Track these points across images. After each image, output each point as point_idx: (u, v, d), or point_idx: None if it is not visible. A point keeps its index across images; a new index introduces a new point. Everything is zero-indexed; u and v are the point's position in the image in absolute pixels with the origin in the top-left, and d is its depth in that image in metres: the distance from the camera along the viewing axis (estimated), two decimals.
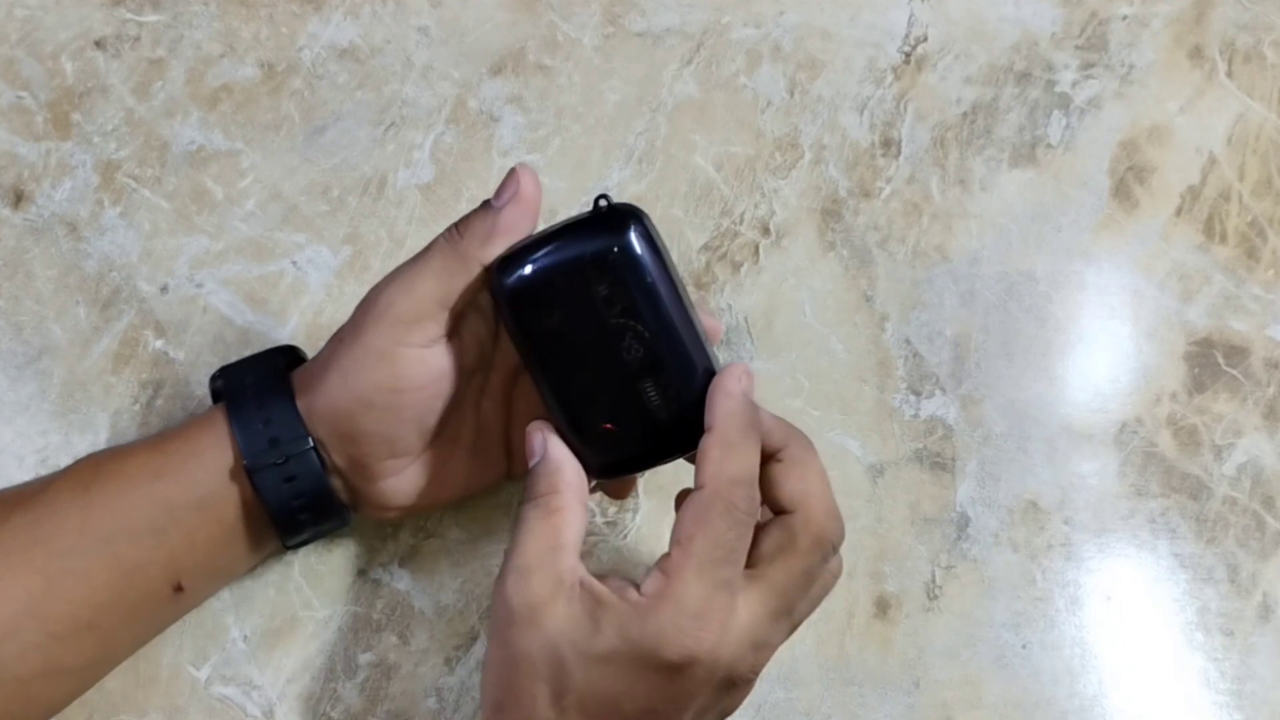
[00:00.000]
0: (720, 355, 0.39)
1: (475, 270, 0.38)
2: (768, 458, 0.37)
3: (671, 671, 0.34)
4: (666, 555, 0.35)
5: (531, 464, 0.38)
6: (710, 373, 0.38)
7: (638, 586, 0.35)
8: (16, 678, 0.39)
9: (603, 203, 0.37)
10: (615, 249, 0.36)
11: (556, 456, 0.37)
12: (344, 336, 0.40)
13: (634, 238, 0.36)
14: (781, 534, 0.36)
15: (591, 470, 0.38)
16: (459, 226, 0.38)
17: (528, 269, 0.37)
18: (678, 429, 0.38)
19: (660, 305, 0.36)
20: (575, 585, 0.35)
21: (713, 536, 0.35)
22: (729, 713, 0.37)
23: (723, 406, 0.36)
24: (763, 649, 0.36)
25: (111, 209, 0.51)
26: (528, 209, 0.38)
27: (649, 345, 0.37)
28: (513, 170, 0.38)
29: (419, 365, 0.39)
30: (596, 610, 0.35)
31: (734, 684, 0.36)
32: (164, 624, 0.44)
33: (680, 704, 0.35)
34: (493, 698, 0.36)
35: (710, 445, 0.36)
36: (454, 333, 0.40)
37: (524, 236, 0.38)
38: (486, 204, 0.38)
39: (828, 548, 0.37)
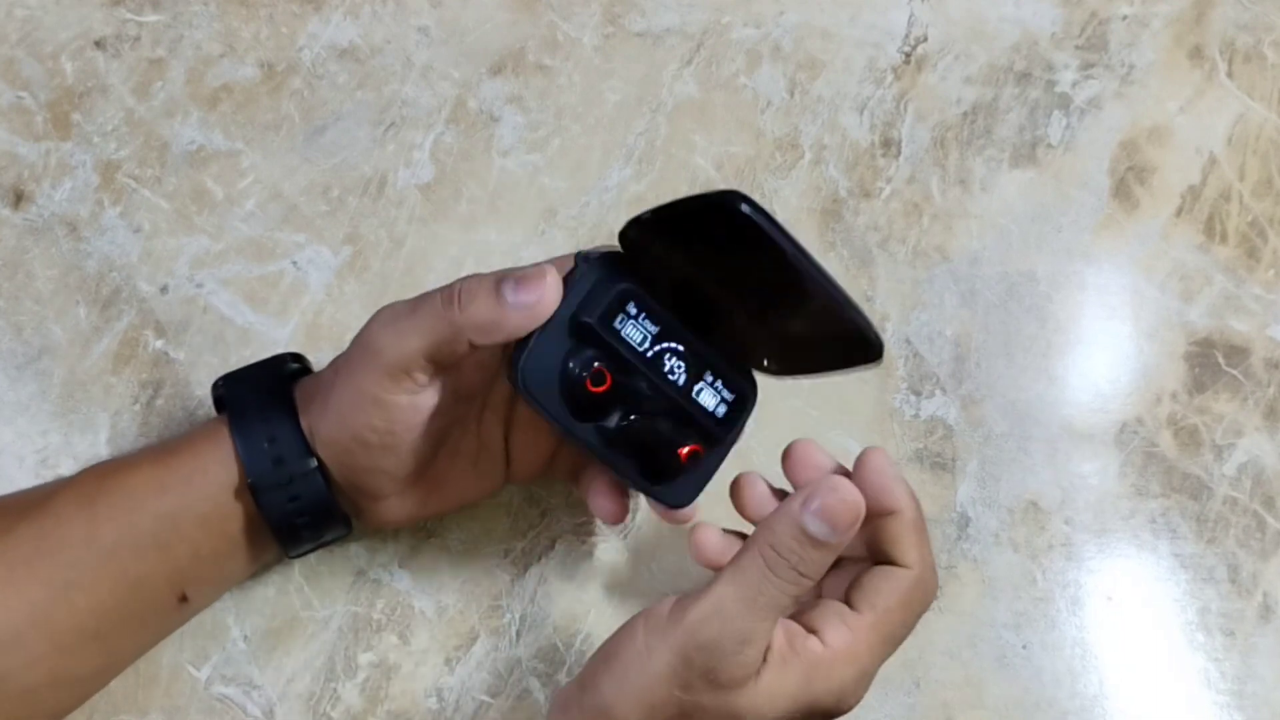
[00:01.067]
0: None
1: (465, 346, 0.37)
2: (890, 512, 0.37)
3: (819, 714, 0.36)
4: (854, 610, 0.36)
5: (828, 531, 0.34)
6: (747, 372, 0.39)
7: (808, 628, 0.36)
8: (23, 688, 0.39)
9: (583, 264, 0.37)
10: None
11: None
12: (341, 369, 0.39)
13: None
14: (906, 590, 0.37)
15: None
16: (461, 296, 0.36)
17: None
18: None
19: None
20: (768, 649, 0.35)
21: (907, 619, 0.37)
22: None
23: (904, 491, 0.37)
24: (868, 681, 0.37)
25: (111, 209, 0.51)
26: (537, 319, 0.36)
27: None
28: (542, 273, 0.36)
29: (411, 410, 0.38)
30: (781, 667, 0.35)
31: (836, 713, 0.37)
32: (168, 631, 0.44)
33: None
34: None
35: (908, 530, 0.37)
36: (452, 366, 0.39)
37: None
38: (500, 284, 0.36)
39: (931, 602, 0.38)
